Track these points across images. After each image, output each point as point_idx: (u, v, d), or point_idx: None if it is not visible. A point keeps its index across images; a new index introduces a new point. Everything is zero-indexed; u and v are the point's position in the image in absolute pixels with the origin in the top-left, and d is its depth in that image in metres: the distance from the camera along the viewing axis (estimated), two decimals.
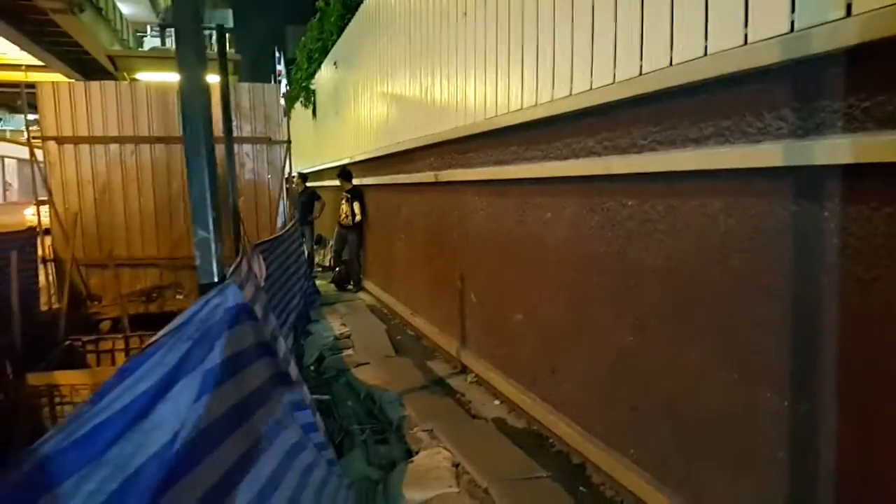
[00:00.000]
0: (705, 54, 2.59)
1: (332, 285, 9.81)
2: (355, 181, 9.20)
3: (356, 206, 9.13)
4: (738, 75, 2.39)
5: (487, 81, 4.67)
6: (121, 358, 7.05)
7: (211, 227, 1.45)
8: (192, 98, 1.35)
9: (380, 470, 3.83)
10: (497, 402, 4.60)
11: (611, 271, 3.26)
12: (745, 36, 2.39)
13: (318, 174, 12.93)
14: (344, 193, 9.29)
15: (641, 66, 2.98)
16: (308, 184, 12.71)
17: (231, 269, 2.71)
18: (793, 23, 2.19)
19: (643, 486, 3.01)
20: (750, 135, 2.38)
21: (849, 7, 1.98)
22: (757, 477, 2.41)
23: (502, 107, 4.41)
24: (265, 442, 1.67)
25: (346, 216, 9.26)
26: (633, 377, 3.12)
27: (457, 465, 3.70)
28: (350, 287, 9.61)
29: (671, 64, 2.79)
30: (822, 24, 2.05)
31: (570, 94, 3.56)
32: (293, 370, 3.10)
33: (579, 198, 3.53)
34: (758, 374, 2.38)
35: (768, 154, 2.27)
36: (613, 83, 3.18)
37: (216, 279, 1.49)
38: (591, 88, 3.38)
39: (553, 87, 3.75)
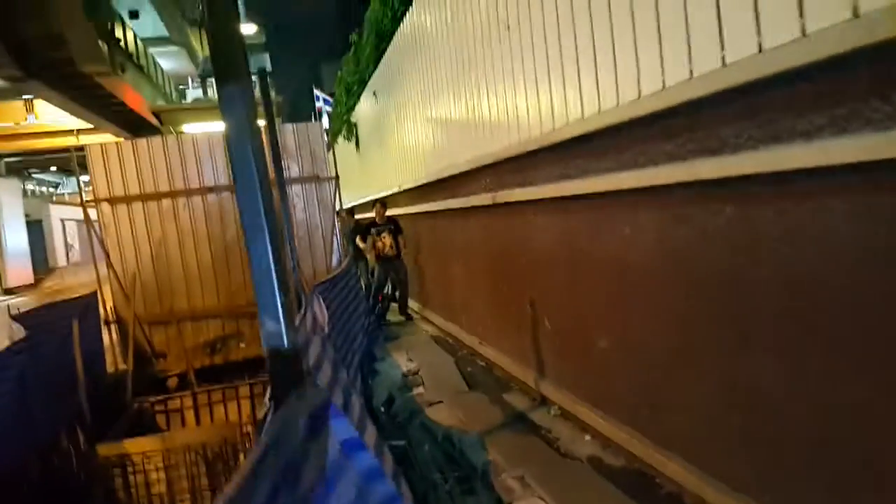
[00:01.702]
0: (804, 35, 2.24)
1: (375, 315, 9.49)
2: (407, 210, 9.05)
3: (401, 238, 9.13)
4: (852, 55, 2.03)
5: (540, 93, 4.36)
6: (190, 416, 6.96)
7: (281, 315, 1.15)
8: (242, 150, 1.09)
9: None
10: (588, 438, 4.23)
11: (716, 288, 2.89)
12: (855, 8, 2.03)
13: (365, 206, 12.80)
14: (384, 226, 9.17)
15: (723, 57, 2.64)
16: (357, 216, 12.61)
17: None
18: None
19: None
20: (877, 122, 2.00)
21: None
22: None
23: (560, 118, 4.10)
24: None
25: (391, 248, 9.11)
26: (762, 411, 2.72)
27: None
28: (387, 320, 9.43)
29: (760, 50, 2.44)
30: None
31: (639, 97, 3.23)
32: (370, 434, 2.82)
33: (662, 209, 3.17)
34: None
35: None
36: (691, 79, 2.84)
37: (292, 384, 1.19)
38: (663, 88, 3.04)
39: (618, 92, 3.42)
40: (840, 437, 2.33)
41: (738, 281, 2.73)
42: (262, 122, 4.91)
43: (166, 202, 8.27)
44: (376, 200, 9.44)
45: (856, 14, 2.00)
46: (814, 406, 2.43)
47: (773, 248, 2.53)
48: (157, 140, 8.47)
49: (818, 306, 2.34)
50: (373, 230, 9.21)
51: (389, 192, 10.11)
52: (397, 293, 9.59)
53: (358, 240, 9.49)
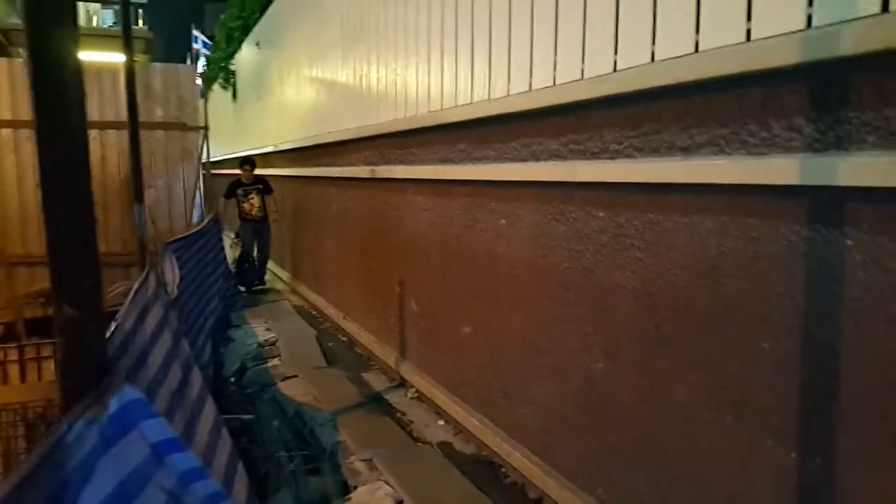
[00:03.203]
0: (696, 51, 2.27)
1: (240, 285, 8.59)
2: (282, 171, 8.63)
3: (271, 200, 8.59)
4: (741, 77, 2.07)
5: (431, 71, 4.24)
6: (14, 371, 6.30)
7: (86, 300, 0.93)
8: (52, 81, 0.87)
9: None
10: (441, 423, 4.23)
11: (577, 289, 2.92)
12: (748, 31, 2.07)
13: (238, 161, 12.18)
14: (252, 185, 8.54)
15: (616, 62, 2.64)
16: (224, 171, 11.98)
17: (125, 306, 2.21)
18: (810, 17, 1.88)
19: None
20: (753, 146, 2.06)
21: (886, 2, 1.68)
22: None
23: (449, 100, 4.00)
24: None
25: (260, 209, 8.51)
26: (603, 408, 2.80)
27: (400, 503, 3.31)
28: (259, 285, 8.79)
29: (653, 60, 2.45)
30: (853, 19, 1.74)
31: (530, 90, 3.19)
32: (208, 414, 2.62)
33: (539, 205, 3.17)
34: (756, 419, 2.09)
35: (777, 170, 1.96)
36: (581, 79, 2.83)
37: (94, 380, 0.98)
38: (554, 84, 3.02)
39: (509, 81, 3.37)
40: (660, 435, 2.44)
41: (598, 284, 2.77)
42: (121, 57, 4.46)
43: (6, 132, 7.44)
44: (243, 160, 8.73)
45: (748, 38, 2.04)
46: (641, 404, 2.52)
47: (635, 258, 2.58)
48: (2, 62, 7.58)
49: (667, 317, 2.41)
50: (238, 191, 8.51)
51: (264, 151, 9.65)
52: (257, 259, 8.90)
53: (222, 201, 8.75)
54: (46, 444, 0.79)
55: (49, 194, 0.94)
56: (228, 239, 9.59)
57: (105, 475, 0.99)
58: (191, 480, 1.32)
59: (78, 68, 0.96)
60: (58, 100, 0.93)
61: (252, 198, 8.51)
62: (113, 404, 1.06)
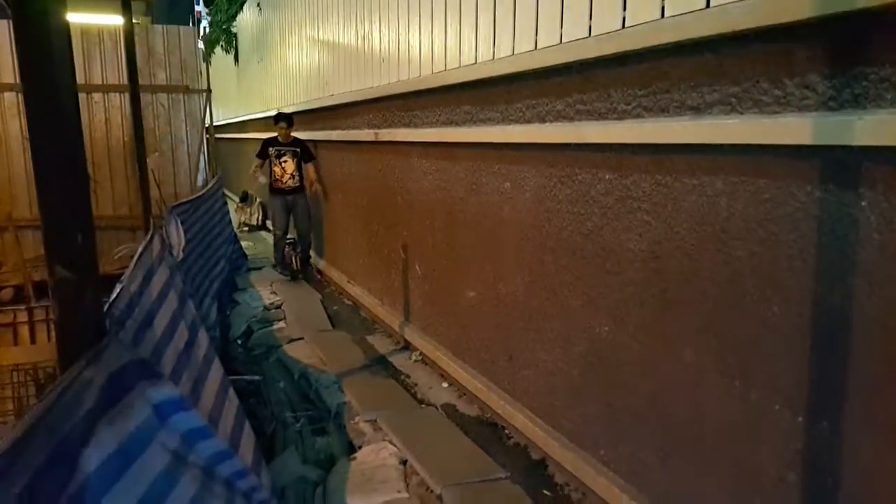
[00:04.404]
0: (707, 6, 2.19)
1: (282, 273, 7.40)
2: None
3: (311, 168, 7.23)
4: (753, 33, 2.01)
5: (435, 31, 4.16)
6: (24, 332, 6.39)
7: (80, 260, 0.92)
8: (38, 38, 0.84)
9: (317, 468, 3.43)
10: (445, 385, 4.25)
11: (583, 252, 2.89)
12: None
13: (241, 125, 12.09)
14: (287, 147, 7.19)
15: (624, 18, 2.57)
16: (228, 135, 11.88)
17: (130, 268, 2.20)
18: None
19: (615, 493, 2.71)
20: (765, 104, 2.01)
21: None
22: (759, 498, 2.12)
23: (453, 61, 3.93)
24: None
25: (293, 177, 7.21)
26: (609, 372, 2.79)
27: (404, 463, 3.33)
28: (303, 271, 7.43)
29: (663, 16, 2.38)
30: None
31: (535, 49, 3.12)
32: (214, 377, 2.63)
33: (545, 167, 3.12)
34: (764, 383, 2.07)
35: (791, 129, 1.91)
36: (589, 37, 2.75)
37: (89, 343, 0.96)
38: (560, 42, 2.94)
39: (514, 40, 3.29)
40: (666, 399, 2.43)
41: (604, 248, 2.74)
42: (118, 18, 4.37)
43: (10, 96, 7.38)
44: (277, 116, 7.25)
45: None
46: (647, 368, 2.51)
47: (643, 221, 2.54)
48: (3, 24, 7.48)
49: (675, 281, 2.39)
50: (271, 149, 7.16)
51: (267, 115, 9.55)
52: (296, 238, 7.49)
53: (256, 162, 7.44)
54: (41, 407, 0.78)
55: (39, 155, 0.92)
56: (233, 203, 9.52)
57: (105, 436, 0.98)
58: (196, 440, 1.32)
59: (64, 27, 0.93)
60: (43, 59, 0.90)
61: (285, 160, 7.15)
62: (111, 365, 1.04)
